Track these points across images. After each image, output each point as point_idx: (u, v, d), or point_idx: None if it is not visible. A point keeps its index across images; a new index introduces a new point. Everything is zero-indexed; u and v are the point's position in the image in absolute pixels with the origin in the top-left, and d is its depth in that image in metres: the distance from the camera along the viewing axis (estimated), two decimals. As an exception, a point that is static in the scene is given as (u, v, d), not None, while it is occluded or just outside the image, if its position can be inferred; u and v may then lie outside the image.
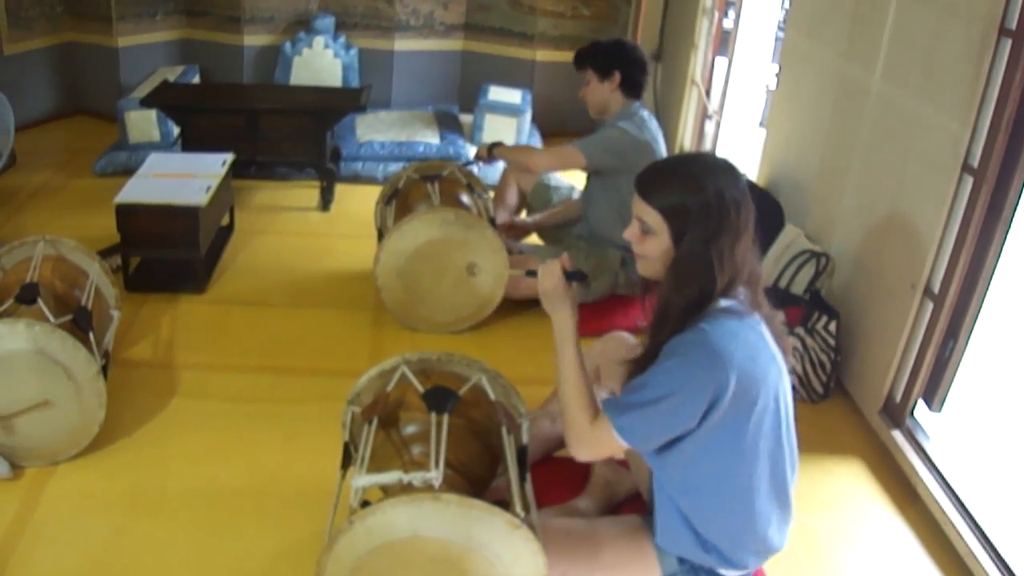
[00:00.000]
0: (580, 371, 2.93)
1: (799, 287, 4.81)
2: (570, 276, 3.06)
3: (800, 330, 4.64)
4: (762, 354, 2.69)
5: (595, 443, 2.83)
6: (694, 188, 2.69)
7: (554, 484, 3.72)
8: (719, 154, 2.95)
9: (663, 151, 5.22)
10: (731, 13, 7.01)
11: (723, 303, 2.70)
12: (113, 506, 3.90)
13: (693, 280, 2.70)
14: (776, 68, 6.25)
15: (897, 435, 4.32)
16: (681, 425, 2.68)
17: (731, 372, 2.59)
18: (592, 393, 2.92)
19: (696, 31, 7.23)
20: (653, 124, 5.21)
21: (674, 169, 2.86)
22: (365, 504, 2.83)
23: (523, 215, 6.03)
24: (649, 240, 2.80)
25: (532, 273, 3.14)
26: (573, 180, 6.04)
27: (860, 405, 4.67)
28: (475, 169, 5.84)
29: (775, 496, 2.87)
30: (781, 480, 2.87)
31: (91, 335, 4.11)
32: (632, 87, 5.19)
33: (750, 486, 2.80)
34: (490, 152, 5.48)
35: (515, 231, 5.83)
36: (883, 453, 4.39)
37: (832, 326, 4.64)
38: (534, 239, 6.00)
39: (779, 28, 6.85)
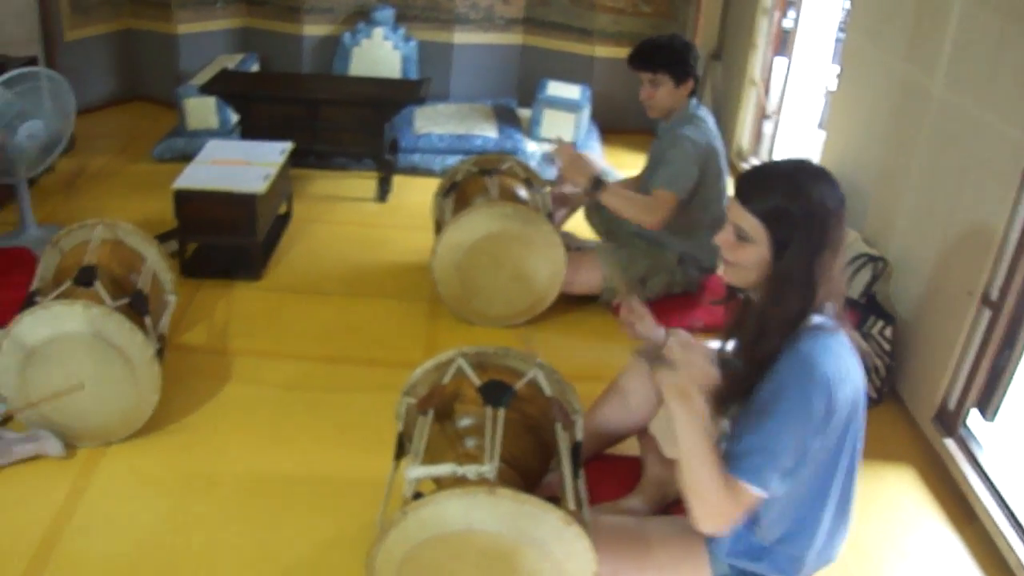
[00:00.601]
0: (713, 453, 2.65)
1: (855, 291, 4.79)
2: (719, 355, 2.93)
3: (855, 334, 4.60)
4: (853, 370, 2.66)
5: (737, 512, 2.64)
6: (798, 194, 2.61)
7: (606, 481, 3.72)
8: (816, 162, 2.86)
9: (722, 148, 5.18)
10: (791, 13, 6.99)
11: (815, 319, 2.65)
12: (164, 489, 3.94)
13: (794, 295, 2.63)
14: (836, 69, 6.21)
15: (950, 443, 4.29)
16: (806, 450, 2.62)
17: (836, 391, 2.56)
18: (722, 463, 2.68)
19: (755, 30, 7.21)
20: (711, 121, 5.15)
21: (776, 173, 2.75)
22: (417, 496, 2.83)
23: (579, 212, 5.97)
24: (745, 248, 2.70)
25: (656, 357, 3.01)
26: (624, 174, 6.01)
27: (913, 412, 4.64)
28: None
29: (841, 510, 2.86)
30: (848, 495, 2.86)
31: (147, 319, 4.14)
32: (697, 88, 5.15)
33: (824, 500, 2.79)
34: (594, 188, 5.09)
35: (563, 201, 5.73)
36: (935, 461, 4.36)
37: (888, 331, 4.61)
38: (590, 234, 5.95)
39: (839, 29, 6.82)
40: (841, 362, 2.60)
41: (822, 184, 2.65)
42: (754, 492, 2.60)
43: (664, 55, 5.01)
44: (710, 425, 2.69)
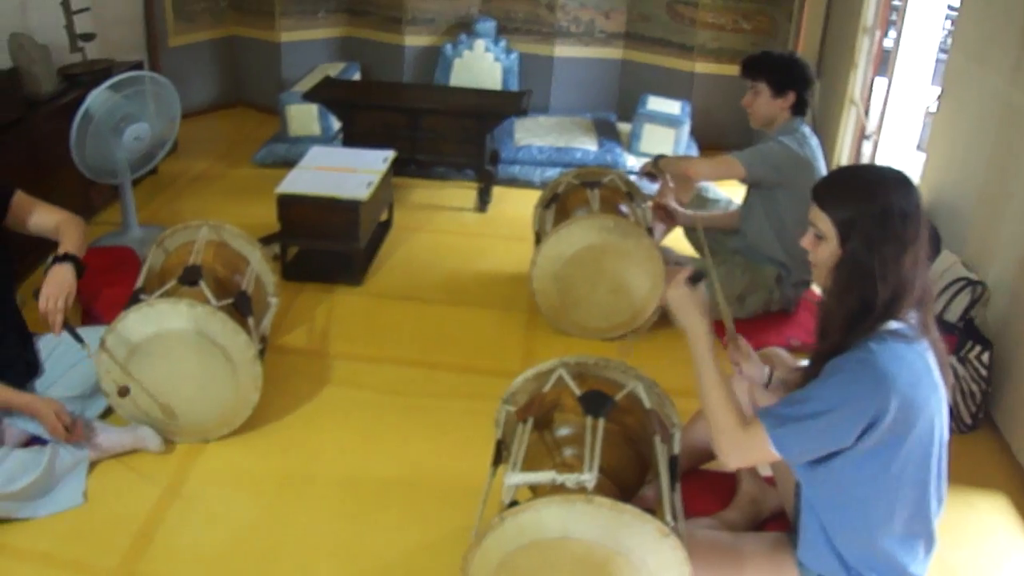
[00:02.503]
0: (721, 377, 2.90)
1: (953, 315, 4.74)
2: (691, 279, 3.06)
3: (952, 359, 4.56)
4: (924, 382, 2.65)
5: (748, 450, 2.78)
6: (864, 194, 2.70)
7: (700, 496, 3.71)
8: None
9: (823, 169, 5.13)
10: (892, 32, 6.93)
11: (893, 325, 2.67)
12: (260, 487, 4.00)
13: (854, 287, 2.69)
14: (937, 90, 6.15)
15: (1045, 472, 4.24)
16: (836, 442, 2.66)
17: (893, 396, 2.56)
18: (736, 398, 2.89)
19: (856, 49, 7.14)
20: (814, 141, 5.13)
21: (849, 175, 2.89)
22: (513, 504, 2.85)
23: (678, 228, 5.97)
24: (821, 246, 2.79)
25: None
26: (731, 194, 5.98)
27: (1008, 439, 4.56)
28: (642, 183, 5.79)
29: (918, 524, 2.83)
30: (925, 509, 2.82)
31: (250, 319, 4.19)
32: (801, 106, 5.10)
33: (892, 511, 2.76)
34: (656, 166, 5.35)
35: (664, 214, 5.74)
36: (1030, 490, 4.30)
37: (985, 356, 4.56)
38: (689, 251, 5.95)
39: (940, 50, 6.75)
40: (905, 368, 2.61)
41: (891, 185, 2.72)
42: (766, 438, 2.71)
43: (765, 64, 5.07)
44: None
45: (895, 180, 2.74)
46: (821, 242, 2.79)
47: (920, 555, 2.88)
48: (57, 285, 3.83)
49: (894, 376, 2.57)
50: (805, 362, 3.13)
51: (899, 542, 2.81)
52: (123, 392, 3.95)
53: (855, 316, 2.69)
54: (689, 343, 3.01)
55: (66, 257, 3.92)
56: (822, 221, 2.77)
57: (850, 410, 2.60)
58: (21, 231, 4.12)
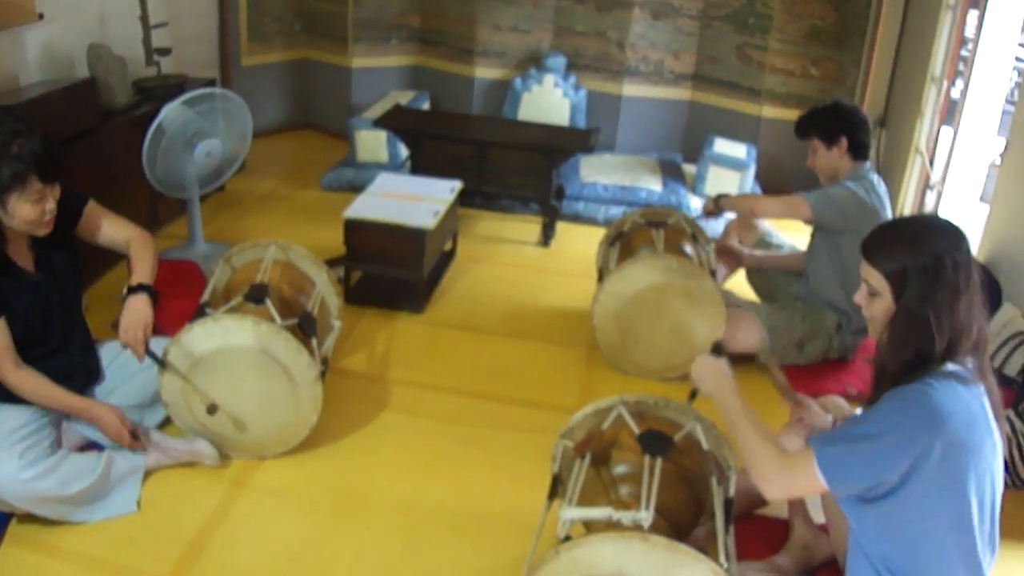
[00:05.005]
0: (751, 418, 2.94)
1: (1013, 368, 4.72)
2: (713, 350, 3.26)
3: (1010, 413, 4.54)
4: (980, 423, 2.66)
5: (790, 474, 2.76)
6: (913, 248, 2.73)
7: (753, 540, 3.72)
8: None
9: (889, 216, 5.13)
10: (959, 82, 6.91)
11: (950, 367, 2.68)
12: (313, 507, 4.03)
13: (910, 340, 2.71)
14: (1002, 142, 6.12)
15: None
16: (880, 472, 2.66)
17: (944, 432, 2.58)
18: (769, 432, 2.91)
19: (923, 98, 7.13)
20: (882, 188, 5.10)
21: (896, 230, 2.90)
22: (567, 539, 2.86)
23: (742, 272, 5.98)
24: (875, 303, 2.83)
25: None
26: (795, 240, 5.98)
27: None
28: (705, 222, 5.80)
29: (969, 571, 2.82)
30: (976, 557, 2.81)
31: (313, 341, 4.22)
32: (859, 149, 5.08)
33: (943, 555, 2.76)
34: (717, 204, 5.39)
35: (729, 257, 5.76)
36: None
37: (1046, 413, 4.54)
38: (750, 295, 5.95)
39: (1007, 101, 6.71)
40: (960, 407, 2.62)
41: (939, 236, 2.75)
42: (812, 459, 2.70)
43: (810, 119, 5.11)
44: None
45: (941, 229, 2.78)
46: (875, 298, 2.84)
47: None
48: (136, 315, 3.90)
49: (948, 412, 2.59)
50: (861, 411, 3.14)
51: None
52: (212, 410, 4.01)
53: (910, 366, 2.70)
54: (720, 404, 3.08)
55: (140, 287, 3.98)
56: (873, 277, 2.82)
57: (898, 438, 2.61)
58: (90, 240, 4.16)
